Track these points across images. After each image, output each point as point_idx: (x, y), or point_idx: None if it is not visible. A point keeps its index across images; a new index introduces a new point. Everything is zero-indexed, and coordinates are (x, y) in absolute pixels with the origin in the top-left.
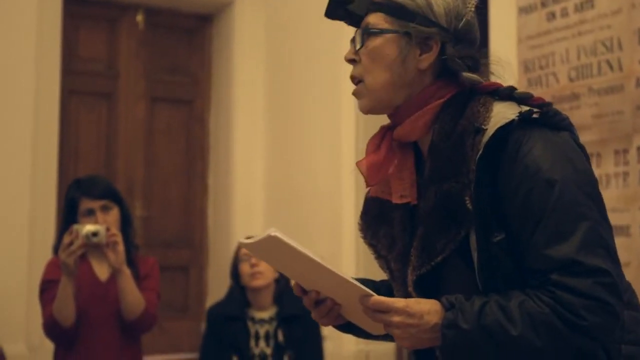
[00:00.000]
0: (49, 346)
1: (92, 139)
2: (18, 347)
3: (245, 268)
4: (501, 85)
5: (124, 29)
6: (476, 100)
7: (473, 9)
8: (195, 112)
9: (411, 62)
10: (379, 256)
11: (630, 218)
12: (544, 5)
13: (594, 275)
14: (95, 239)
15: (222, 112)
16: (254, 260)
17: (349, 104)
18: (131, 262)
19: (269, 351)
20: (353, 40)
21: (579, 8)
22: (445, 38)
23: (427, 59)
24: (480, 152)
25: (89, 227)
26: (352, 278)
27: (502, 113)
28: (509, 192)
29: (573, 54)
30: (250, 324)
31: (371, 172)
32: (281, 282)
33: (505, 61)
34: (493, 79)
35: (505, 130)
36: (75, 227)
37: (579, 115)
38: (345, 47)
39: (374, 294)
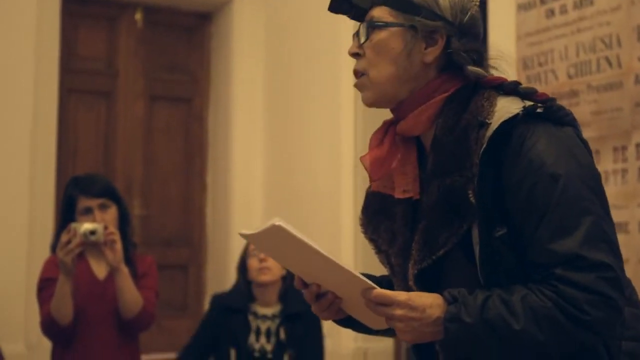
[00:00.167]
0: (47, 345)
1: (91, 138)
2: (16, 346)
3: (253, 263)
4: (506, 80)
5: (123, 27)
6: (480, 95)
7: (477, 3)
8: (194, 111)
9: (416, 56)
10: (379, 251)
11: (629, 215)
12: (543, 2)
13: (597, 269)
14: (93, 238)
15: (221, 111)
16: (262, 256)
17: (349, 102)
18: (129, 260)
19: (269, 347)
20: (357, 34)
21: (578, 5)
22: (451, 32)
23: (433, 53)
24: (484, 146)
25: (86, 226)
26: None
27: (506, 107)
28: (513, 187)
29: (572, 51)
30: (251, 318)
31: (374, 167)
32: (288, 279)
33: (507, 55)
34: (496, 73)
35: (510, 124)
36: (73, 225)
37: (577, 112)
38: (345, 45)
39: (376, 286)
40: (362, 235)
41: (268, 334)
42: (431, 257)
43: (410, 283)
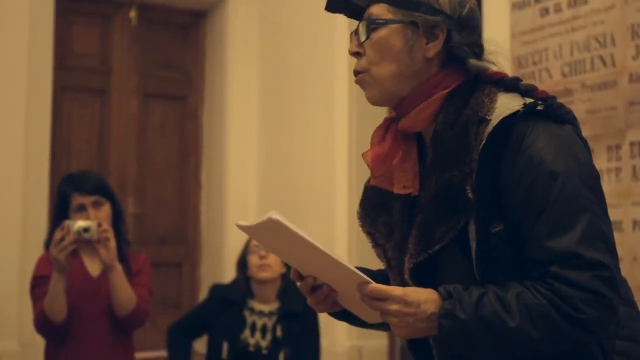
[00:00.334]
0: (41, 343)
1: (85, 135)
2: (10, 344)
3: (254, 259)
4: (506, 75)
5: (117, 25)
6: (481, 91)
7: None
8: (189, 109)
9: (418, 52)
10: (376, 245)
11: (623, 213)
12: (537, 0)
13: (593, 268)
14: (86, 235)
15: (216, 109)
16: (263, 253)
17: (343, 101)
18: (123, 258)
19: (264, 344)
20: (356, 33)
21: (572, 4)
22: (451, 25)
23: (434, 48)
24: (484, 142)
25: (80, 223)
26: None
27: (506, 104)
28: (512, 183)
29: (566, 50)
30: (247, 313)
31: (376, 163)
32: (287, 277)
33: (502, 48)
34: (494, 68)
35: (509, 121)
36: (67, 222)
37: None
38: (340, 41)
39: (371, 281)
40: (356, 234)
41: (264, 330)
42: (427, 251)
43: (406, 277)
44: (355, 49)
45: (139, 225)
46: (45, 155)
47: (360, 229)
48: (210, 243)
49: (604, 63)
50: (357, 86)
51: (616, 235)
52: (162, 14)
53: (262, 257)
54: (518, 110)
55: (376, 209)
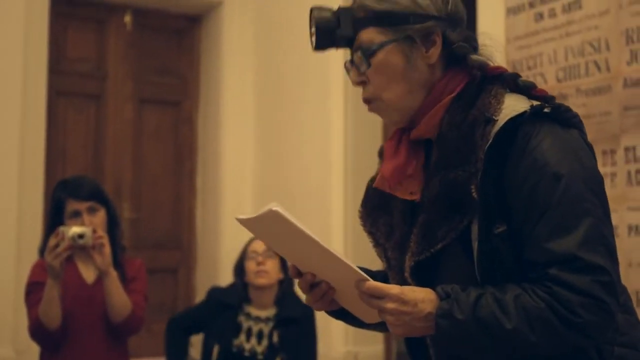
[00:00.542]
0: (36, 349)
1: (80, 141)
2: (5, 351)
3: (251, 265)
4: (506, 70)
5: (112, 30)
6: (487, 92)
7: None
8: (184, 114)
9: (421, 62)
10: (377, 244)
11: (618, 218)
12: (531, 5)
13: (593, 272)
14: (81, 241)
15: (211, 113)
16: (260, 259)
17: (338, 104)
18: (118, 264)
19: (260, 349)
20: (352, 63)
21: (567, 9)
22: (444, 26)
23: (434, 53)
24: (490, 141)
25: (75, 229)
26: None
27: (513, 105)
28: (516, 184)
29: (561, 55)
30: (243, 318)
31: (395, 175)
32: (284, 283)
33: (496, 41)
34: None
35: (516, 122)
36: (62, 229)
37: None
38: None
39: (369, 278)
40: (352, 237)
41: (260, 336)
42: (429, 250)
43: (406, 275)
44: (359, 79)
45: (135, 231)
46: (40, 161)
47: (356, 231)
48: (205, 248)
49: (599, 68)
50: (352, 90)
51: None
52: (157, 19)
53: (259, 263)
54: (525, 111)
55: (377, 209)
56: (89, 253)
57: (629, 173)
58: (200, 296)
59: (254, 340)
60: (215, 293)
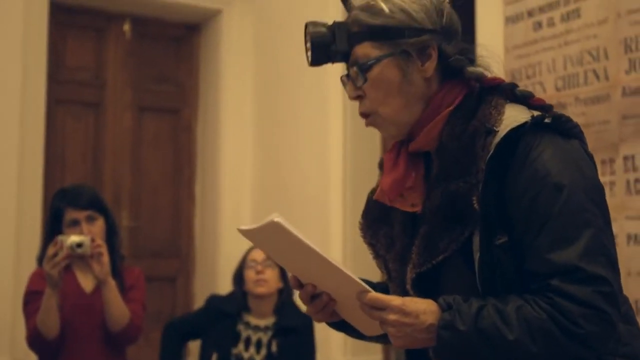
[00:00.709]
0: (34, 358)
1: (79, 149)
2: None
3: (250, 274)
4: (503, 81)
5: (111, 38)
6: (487, 102)
7: None
8: (183, 122)
9: (417, 76)
10: (377, 256)
11: (617, 228)
12: (530, 15)
13: (594, 283)
14: (79, 250)
15: (210, 122)
16: (260, 268)
17: (337, 111)
18: (116, 272)
19: (258, 358)
20: (348, 77)
21: (565, 18)
22: (439, 39)
23: (430, 66)
24: (491, 152)
25: (73, 238)
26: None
27: (514, 116)
28: (517, 195)
29: (559, 64)
30: (242, 327)
31: (394, 188)
32: (284, 293)
33: (493, 53)
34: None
35: (517, 132)
36: (60, 237)
37: None
38: None
39: (371, 290)
40: (351, 245)
41: (258, 345)
42: (431, 261)
43: (408, 287)
44: (356, 93)
45: (133, 239)
46: (39, 169)
47: (355, 240)
48: (204, 256)
49: (597, 77)
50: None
51: None
52: (156, 27)
53: (258, 272)
54: (526, 122)
55: (378, 221)
56: (87, 262)
57: (627, 182)
58: (198, 304)
59: (252, 350)
60: (214, 301)
